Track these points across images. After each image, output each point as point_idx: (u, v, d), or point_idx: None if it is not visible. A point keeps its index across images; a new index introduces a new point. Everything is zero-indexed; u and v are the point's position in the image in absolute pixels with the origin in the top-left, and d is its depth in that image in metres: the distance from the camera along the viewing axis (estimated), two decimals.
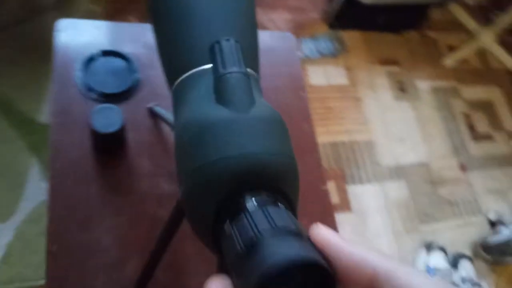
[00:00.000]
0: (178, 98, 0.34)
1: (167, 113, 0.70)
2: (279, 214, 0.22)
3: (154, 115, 0.75)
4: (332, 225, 0.74)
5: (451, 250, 1.50)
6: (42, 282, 0.98)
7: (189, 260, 0.67)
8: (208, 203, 0.25)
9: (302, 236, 0.21)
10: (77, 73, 0.71)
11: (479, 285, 1.35)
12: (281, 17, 1.84)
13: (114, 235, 0.65)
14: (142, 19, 1.58)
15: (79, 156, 0.68)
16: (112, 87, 0.72)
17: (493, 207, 1.66)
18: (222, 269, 0.43)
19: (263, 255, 0.19)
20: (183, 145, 0.28)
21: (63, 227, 0.63)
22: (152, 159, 0.71)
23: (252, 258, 0.19)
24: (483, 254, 1.49)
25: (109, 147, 0.69)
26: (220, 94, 0.29)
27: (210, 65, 0.32)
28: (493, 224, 1.58)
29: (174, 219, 0.50)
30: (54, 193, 0.65)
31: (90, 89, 0.71)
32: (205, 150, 0.26)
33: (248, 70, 0.32)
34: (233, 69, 0.29)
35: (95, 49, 0.74)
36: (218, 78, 0.29)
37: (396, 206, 1.57)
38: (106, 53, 0.75)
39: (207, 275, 0.70)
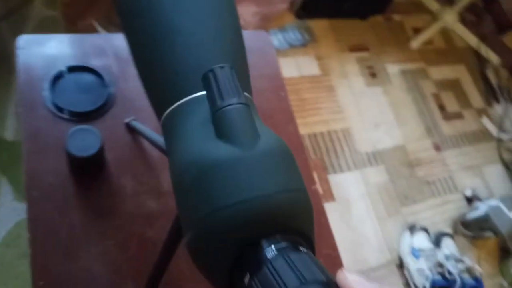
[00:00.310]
0: (170, 130, 0.31)
1: (146, 128, 0.67)
2: (304, 262, 0.21)
3: (132, 130, 0.72)
4: (326, 226, 0.73)
5: (433, 229, 1.54)
6: None
7: (185, 279, 0.64)
8: (222, 254, 0.23)
9: (330, 285, 0.20)
10: (45, 93, 0.67)
11: (462, 260, 1.39)
12: (248, 10, 1.80)
13: (104, 261, 0.62)
14: (105, 21, 1.51)
15: (57, 182, 0.64)
16: (84, 105, 0.68)
17: (469, 184, 1.72)
18: None
19: None
20: (184, 188, 0.26)
21: (48, 260, 0.60)
22: (135, 177, 0.68)
23: None
24: (463, 230, 1.54)
25: (88, 170, 0.65)
26: (221, 129, 0.26)
27: (202, 93, 0.29)
28: (469, 200, 1.63)
29: (172, 240, 0.48)
30: (33, 223, 0.61)
31: (60, 109, 0.67)
32: (212, 196, 0.24)
33: (245, 94, 0.30)
34: (233, 101, 0.26)
35: (62, 65, 0.70)
36: (217, 112, 0.26)
37: (377, 191, 1.60)
38: (74, 68, 0.70)
39: None
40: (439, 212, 1.62)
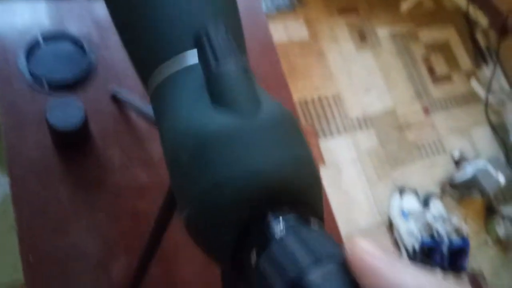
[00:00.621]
0: (159, 101, 0.28)
1: (131, 97, 0.64)
2: (316, 236, 0.19)
3: (117, 100, 0.69)
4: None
5: (421, 191, 1.56)
6: (20, 281, 0.93)
7: (179, 249, 0.64)
8: (225, 230, 0.21)
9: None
10: (21, 64, 0.63)
11: (449, 220, 1.42)
12: None
13: (94, 235, 0.60)
14: None
15: (40, 156, 0.61)
16: (64, 76, 0.64)
17: (457, 146, 1.73)
18: (225, 278, 0.40)
19: None
20: (180, 163, 0.23)
21: (37, 235, 0.58)
22: (123, 149, 0.66)
23: None
24: (451, 191, 1.57)
25: (73, 143, 0.62)
26: (218, 95, 0.24)
27: (193, 54, 0.26)
28: (457, 162, 1.65)
29: (166, 212, 0.46)
30: (18, 200, 0.59)
31: (39, 80, 0.63)
32: (213, 169, 0.22)
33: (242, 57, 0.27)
34: (229, 63, 0.24)
35: (37, 33, 0.66)
36: (212, 76, 0.24)
37: (367, 155, 1.60)
38: (50, 37, 0.66)
39: (200, 263, 0.68)
40: (428, 174, 1.64)
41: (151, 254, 0.51)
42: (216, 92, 0.24)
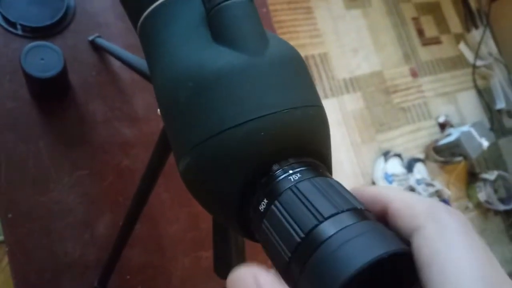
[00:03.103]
0: (152, 39, 0.25)
1: (113, 45, 0.60)
2: (332, 186, 0.17)
3: (97, 48, 0.64)
4: None
5: (406, 155, 1.58)
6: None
7: (164, 207, 0.62)
8: (230, 180, 0.19)
9: (368, 213, 0.17)
10: None
11: (432, 185, 1.45)
12: None
13: (77, 192, 0.58)
14: None
15: (16, 108, 0.57)
16: (39, 19, 0.59)
17: (443, 111, 1.74)
18: (217, 226, 0.38)
19: (347, 250, 0.14)
20: (178, 106, 0.21)
21: (15, 192, 0.55)
22: (105, 102, 0.62)
23: (323, 253, 0.15)
24: (435, 156, 1.59)
25: (51, 94, 0.58)
26: (220, 31, 0.21)
27: None
28: (442, 126, 1.66)
29: (154, 167, 0.44)
30: None
31: (11, 24, 0.58)
32: (216, 114, 0.19)
33: None
34: None
35: None
36: (214, 9, 0.21)
37: (352, 118, 1.59)
38: None
39: (185, 221, 0.66)
40: (413, 138, 1.65)
41: (137, 212, 0.49)
42: (218, 27, 0.21)
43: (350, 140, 1.57)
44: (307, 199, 0.17)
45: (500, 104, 1.84)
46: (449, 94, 1.80)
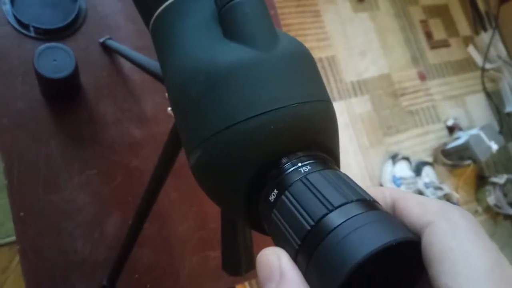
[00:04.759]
0: (164, 35, 0.25)
1: (123, 46, 0.61)
2: (342, 178, 0.18)
3: (108, 50, 0.65)
4: None
5: (414, 158, 1.57)
6: (10, 239, 0.91)
7: (173, 207, 0.62)
8: (240, 173, 0.20)
9: (377, 204, 0.17)
10: (6, 7, 0.58)
11: (441, 188, 1.44)
12: None
13: (87, 192, 0.58)
14: None
15: (28, 108, 0.58)
16: (52, 22, 0.60)
17: (451, 114, 1.73)
18: (226, 223, 0.39)
19: (355, 238, 0.15)
20: (189, 102, 0.21)
21: (27, 191, 0.56)
22: (115, 103, 0.63)
23: (332, 241, 0.15)
24: (443, 159, 1.57)
25: (63, 94, 0.59)
26: (232, 27, 0.21)
27: None
28: (451, 130, 1.65)
29: (163, 167, 0.44)
30: (7, 153, 0.56)
31: (24, 26, 0.59)
32: (226, 108, 0.20)
33: None
34: None
35: None
36: (225, 6, 0.21)
37: (360, 121, 1.59)
38: None
39: (194, 221, 0.66)
40: (421, 141, 1.64)
41: (146, 212, 0.49)
42: (230, 23, 0.22)
43: (358, 143, 1.57)
44: (317, 189, 0.17)
45: (510, 107, 1.82)
46: (457, 97, 1.79)
